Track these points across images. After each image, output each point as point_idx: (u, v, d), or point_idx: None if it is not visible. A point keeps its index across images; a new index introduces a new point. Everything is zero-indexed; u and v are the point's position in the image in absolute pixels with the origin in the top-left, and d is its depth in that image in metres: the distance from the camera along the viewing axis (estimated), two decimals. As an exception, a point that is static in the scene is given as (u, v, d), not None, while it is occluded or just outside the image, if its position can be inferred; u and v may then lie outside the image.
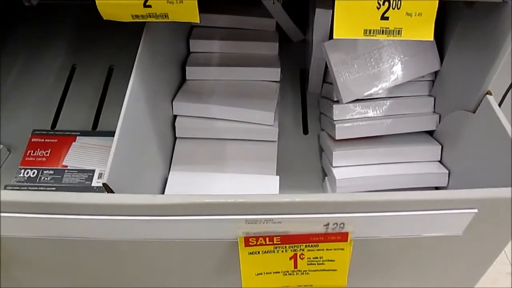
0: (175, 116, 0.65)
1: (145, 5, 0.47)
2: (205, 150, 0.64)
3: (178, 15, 0.48)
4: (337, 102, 0.63)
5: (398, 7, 0.46)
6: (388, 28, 0.47)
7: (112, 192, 0.43)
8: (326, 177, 0.63)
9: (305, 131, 0.70)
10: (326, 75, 0.71)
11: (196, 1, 0.46)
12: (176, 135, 0.65)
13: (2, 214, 0.39)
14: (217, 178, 0.60)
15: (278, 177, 0.60)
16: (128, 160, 0.47)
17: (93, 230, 0.42)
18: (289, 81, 0.75)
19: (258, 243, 0.43)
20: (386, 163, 0.61)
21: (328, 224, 0.41)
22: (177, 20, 0.48)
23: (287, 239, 0.43)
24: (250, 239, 0.42)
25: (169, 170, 0.62)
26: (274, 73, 0.68)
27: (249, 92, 0.67)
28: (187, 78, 0.69)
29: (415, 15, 0.46)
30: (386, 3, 0.46)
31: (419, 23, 0.47)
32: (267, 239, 0.43)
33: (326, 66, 0.70)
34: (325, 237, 0.43)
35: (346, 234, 0.42)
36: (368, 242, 0.44)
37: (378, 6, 0.46)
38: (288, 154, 0.66)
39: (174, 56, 0.68)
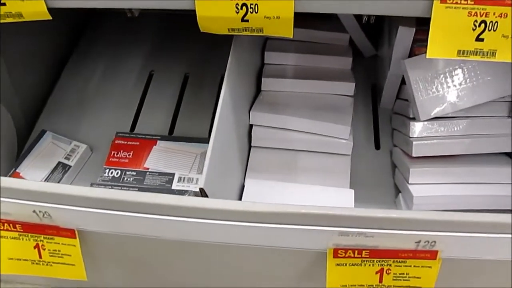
0: (250, 126, 0.67)
1: (242, 20, 0.49)
2: (279, 160, 0.66)
3: (273, 30, 0.50)
4: (413, 119, 0.63)
5: (495, 29, 0.46)
6: (483, 49, 0.47)
7: (206, 196, 0.45)
8: (400, 194, 0.63)
9: (377, 146, 0.70)
10: (400, 91, 0.71)
11: (292, 17, 0.48)
12: (252, 144, 0.67)
13: (114, 212, 0.42)
14: (292, 188, 0.61)
15: (353, 190, 0.60)
16: (218, 166, 0.49)
17: (188, 232, 0.44)
18: (360, 95, 0.75)
19: (346, 255, 0.44)
20: (462, 183, 0.60)
21: (419, 241, 0.42)
22: (272, 34, 0.50)
23: (376, 253, 0.43)
24: (339, 251, 0.43)
25: (244, 178, 0.64)
26: (349, 88, 0.69)
27: (324, 105, 0.68)
28: (262, 88, 0.71)
29: (511, 37, 0.46)
30: (483, 25, 0.46)
31: (514, 45, 0.47)
32: (356, 252, 0.43)
33: (400, 83, 0.70)
34: (414, 254, 0.43)
35: (436, 252, 0.43)
36: (456, 262, 0.44)
37: (474, 28, 0.46)
38: (360, 169, 0.67)
39: (252, 67, 0.70)
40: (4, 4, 0.51)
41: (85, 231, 0.48)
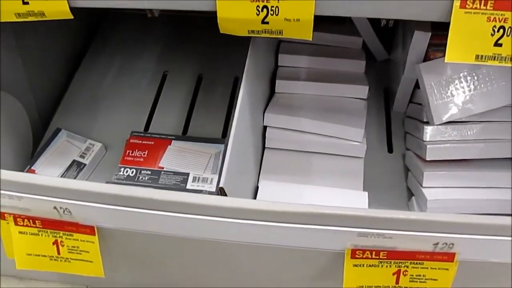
0: (265, 127, 0.67)
1: (263, 22, 0.50)
2: (292, 161, 0.66)
3: (292, 32, 0.50)
4: (427, 123, 0.64)
5: (513, 34, 0.47)
6: (501, 54, 0.48)
7: (226, 195, 0.46)
8: (413, 197, 0.63)
9: (390, 150, 0.71)
10: (413, 95, 0.72)
11: (312, 20, 0.49)
12: (266, 145, 0.67)
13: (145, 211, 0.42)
14: (306, 190, 0.62)
15: (366, 193, 0.61)
16: (235, 167, 0.50)
17: (208, 231, 0.45)
18: (373, 98, 0.76)
19: (364, 256, 0.44)
20: (476, 187, 0.61)
21: (437, 243, 0.42)
22: (291, 37, 0.51)
23: (393, 255, 0.44)
24: (357, 252, 0.44)
25: (258, 179, 0.64)
26: (363, 91, 0.70)
27: (337, 108, 0.68)
28: (276, 91, 0.71)
29: (529, 43, 0.47)
30: (501, 30, 0.47)
31: (532, 51, 0.47)
32: (374, 253, 0.44)
33: (414, 86, 0.71)
34: (432, 256, 0.43)
35: (453, 254, 0.43)
36: (473, 264, 0.44)
37: (493, 33, 0.47)
38: (373, 171, 0.67)
39: (266, 69, 0.71)
40: (27, 3, 0.52)
41: (104, 228, 0.48)
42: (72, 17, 0.52)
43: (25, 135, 0.73)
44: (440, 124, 0.62)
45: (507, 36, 0.47)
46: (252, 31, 0.51)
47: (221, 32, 0.52)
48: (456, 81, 0.62)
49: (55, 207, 0.47)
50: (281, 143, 0.67)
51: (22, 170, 0.69)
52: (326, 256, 0.46)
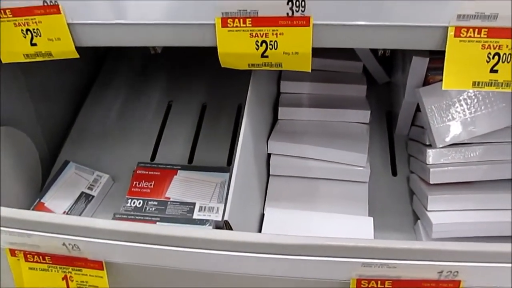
0: (268, 154, 0.68)
1: (262, 56, 0.51)
2: (297, 188, 0.67)
3: (292, 65, 0.52)
4: (429, 146, 0.64)
5: (508, 60, 0.47)
6: (497, 80, 0.48)
7: (231, 229, 0.46)
8: (418, 221, 0.63)
9: (394, 173, 0.71)
10: (415, 118, 0.72)
11: (310, 52, 0.50)
12: (270, 172, 0.68)
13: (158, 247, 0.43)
14: (311, 217, 0.62)
15: (372, 218, 0.61)
16: (240, 197, 0.51)
17: (214, 264, 0.45)
18: (375, 122, 0.77)
19: (369, 286, 0.44)
20: (481, 209, 0.61)
21: (442, 272, 0.42)
22: (290, 69, 0.52)
23: (399, 284, 0.44)
24: (362, 281, 0.44)
25: (264, 206, 0.65)
26: (364, 115, 0.71)
27: (340, 133, 0.69)
28: (279, 118, 0.72)
29: (525, 69, 0.47)
30: (496, 57, 0.47)
31: (529, 76, 0.48)
32: (379, 282, 0.44)
33: (415, 109, 0.71)
34: (437, 284, 0.43)
35: (459, 282, 0.43)
36: (478, 292, 0.44)
37: (488, 60, 0.48)
38: (377, 195, 0.68)
39: (268, 96, 0.72)
40: (35, 45, 0.54)
41: (112, 262, 0.49)
42: (78, 56, 0.54)
43: (34, 169, 0.75)
44: (442, 147, 0.63)
45: (503, 62, 0.47)
46: (252, 65, 0.53)
47: (222, 66, 0.54)
48: (457, 104, 0.63)
49: (64, 244, 0.48)
50: (286, 170, 0.68)
51: (32, 203, 0.71)
52: (332, 287, 0.46)
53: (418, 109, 0.70)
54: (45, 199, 0.70)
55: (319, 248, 0.42)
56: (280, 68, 0.52)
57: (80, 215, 0.68)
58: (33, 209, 0.69)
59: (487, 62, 0.48)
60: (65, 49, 0.54)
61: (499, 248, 0.40)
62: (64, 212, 0.68)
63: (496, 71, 0.48)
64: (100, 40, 0.52)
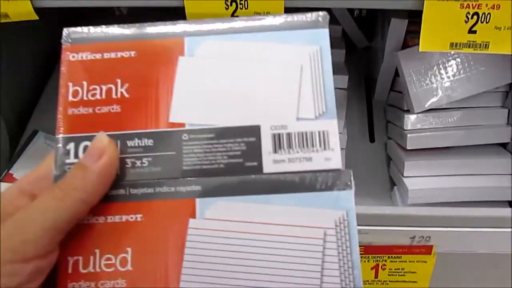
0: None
1: (232, 16, 0.49)
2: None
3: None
4: (407, 111, 0.63)
5: (487, 20, 0.46)
6: (475, 41, 0.47)
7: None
8: (395, 187, 0.63)
9: (372, 139, 0.70)
10: (394, 83, 0.71)
11: (283, 12, 0.48)
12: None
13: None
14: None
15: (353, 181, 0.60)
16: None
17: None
18: (353, 87, 0.75)
19: (341, 252, 0.44)
20: (457, 175, 0.60)
21: (414, 237, 0.42)
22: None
23: (371, 250, 0.43)
24: (334, 248, 0.43)
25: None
26: (342, 81, 0.69)
27: (317, 99, 0.67)
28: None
29: (504, 29, 0.46)
30: (475, 17, 0.46)
31: (507, 37, 0.46)
32: (351, 248, 0.43)
33: (394, 74, 0.70)
34: (409, 249, 0.43)
35: (431, 247, 0.43)
36: (451, 256, 0.44)
37: (466, 20, 0.46)
38: (354, 162, 0.67)
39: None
40: (-11, 5, 0.50)
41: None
42: (37, 17, 0.51)
43: (2, 139, 0.72)
44: (420, 112, 0.62)
45: (481, 22, 0.46)
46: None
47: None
48: (435, 68, 0.61)
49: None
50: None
51: (0, 175, 0.68)
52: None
53: (397, 73, 0.68)
54: (14, 170, 0.68)
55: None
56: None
57: (50, 185, 0.66)
58: (1, 181, 0.67)
59: (465, 22, 0.46)
60: (22, 10, 0.50)
61: (470, 213, 0.40)
62: (33, 183, 0.66)
63: (475, 32, 0.46)
64: (60, 1, 0.49)
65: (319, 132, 0.30)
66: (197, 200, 0.27)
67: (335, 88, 0.71)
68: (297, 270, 0.27)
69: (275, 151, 0.29)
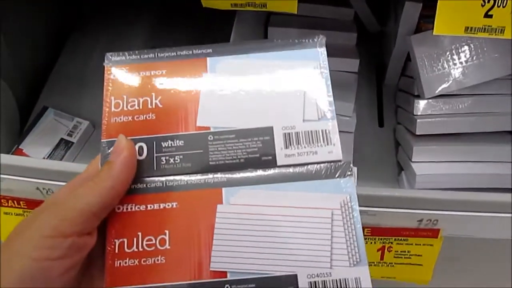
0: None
1: (245, -5, 0.48)
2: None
3: (277, 4, 0.49)
4: (418, 96, 0.62)
5: (504, 5, 0.45)
6: (491, 26, 0.46)
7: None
8: (402, 171, 0.63)
9: (381, 124, 0.70)
10: (405, 68, 0.70)
11: (297, -8, 0.47)
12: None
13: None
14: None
15: (355, 168, 0.60)
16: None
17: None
18: (364, 72, 0.74)
19: (348, 233, 0.44)
20: (466, 161, 0.60)
21: (421, 220, 0.42)
22: (275, 9, 0.49)
23: (378, 231, 0.44)
24: (341, 229, 0.44)
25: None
26: (353, 64, 0.68)
27: (327, 82, 0.67)
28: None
29: (520, 14, 0.45)
30: (492, 1, 0.45)
31: (523, 22, 0.46)
32: (358, 230, 0.44)
33: (406, 59, 0.69)
34: (416, 232, 0.43)
35: (438, 230, 0.43)
36: (457, 240, 0.44)
37: (483, 4, 0.45)
38: (363, 146, 0.67)
39: (254, 43, 0.69)
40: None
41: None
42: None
43: (12, 115, 0.72)
44: (431, 98, 0.61)
45: (498, 7, 0.45)
46: (236, 5, 0.50)
47: (203, 6, 0.51)
48: (448, 54, 0.61)
49: (37, 188, 0.46)
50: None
51: (10, 149, 0.69)
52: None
53: (408, 58, 0.68)
54: (24, 145, 0.69)
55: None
56: (264, 9, 0.50)
57: (59, 161, 0.66)
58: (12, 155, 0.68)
59: (482, 6, 0.45)
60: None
61: (478, 197, 0.40)
62: (43, 159, 0.66)
63: (491, 16, 0.46)
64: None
65: (322, 131, 0.35)
66: (223, 189, 0.33)
67: (346, 72, 0.71)
68: (310, 244, 0.32)
69: (286, 147, 0.34)
